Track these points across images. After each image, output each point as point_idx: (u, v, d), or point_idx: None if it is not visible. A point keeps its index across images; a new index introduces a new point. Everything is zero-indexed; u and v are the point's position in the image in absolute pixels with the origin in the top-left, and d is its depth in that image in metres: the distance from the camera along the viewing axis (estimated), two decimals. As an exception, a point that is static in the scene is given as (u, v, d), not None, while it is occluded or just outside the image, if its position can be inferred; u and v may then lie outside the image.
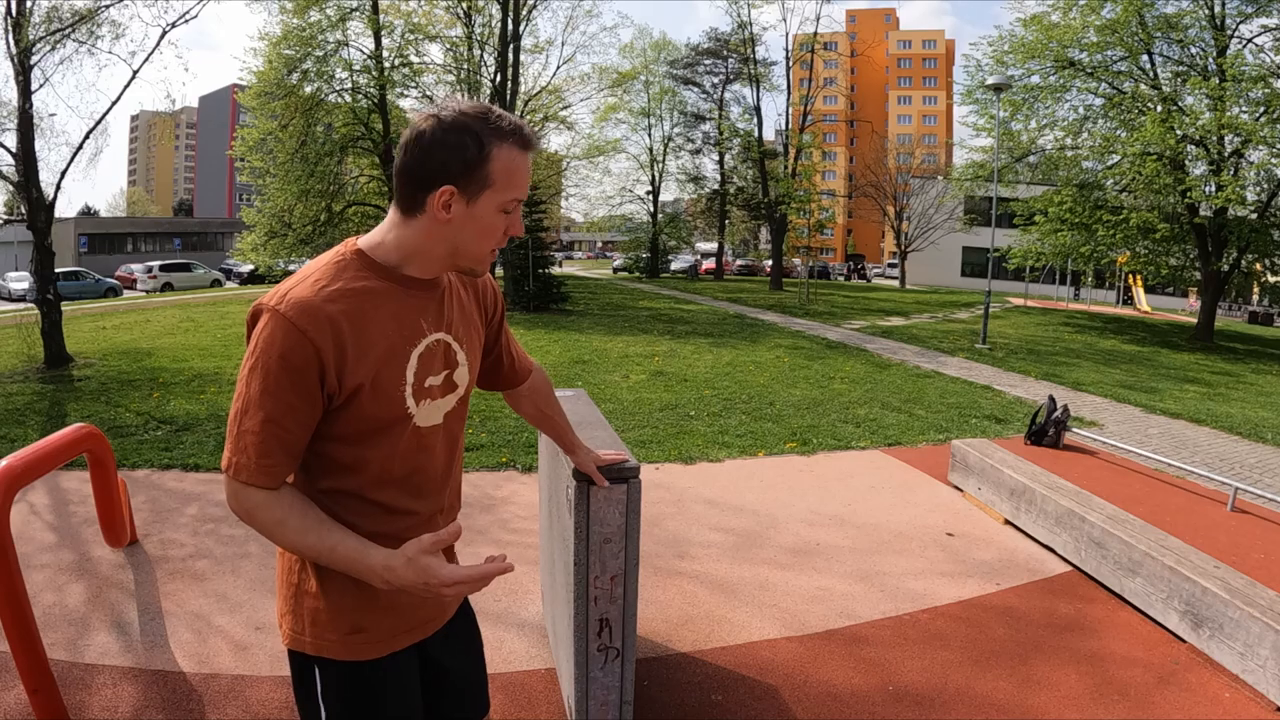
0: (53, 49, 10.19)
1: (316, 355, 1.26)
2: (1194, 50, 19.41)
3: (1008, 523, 4.88)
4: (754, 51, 36.43)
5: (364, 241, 1.39)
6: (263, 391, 1.27)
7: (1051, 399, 7.08)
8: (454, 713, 1.73)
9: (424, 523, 1.49)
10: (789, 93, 37.16)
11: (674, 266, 45.57)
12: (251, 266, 28.72)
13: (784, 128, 39.14)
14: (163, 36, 10.93)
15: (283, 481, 1.34)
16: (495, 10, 24.72)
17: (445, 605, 1.59)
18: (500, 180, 1.31)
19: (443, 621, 1.61)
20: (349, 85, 24.43)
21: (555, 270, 21.32)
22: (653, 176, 42.43)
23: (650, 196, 42.84)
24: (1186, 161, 19.06)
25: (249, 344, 1.31)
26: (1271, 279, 21.27)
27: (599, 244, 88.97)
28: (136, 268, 34.43)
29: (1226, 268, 19.80)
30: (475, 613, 1.85)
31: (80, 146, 10.44)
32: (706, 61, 40.45)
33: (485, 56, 27.19)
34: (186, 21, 11.14)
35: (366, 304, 1.33)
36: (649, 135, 42.04)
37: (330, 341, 1.27)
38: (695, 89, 41.54)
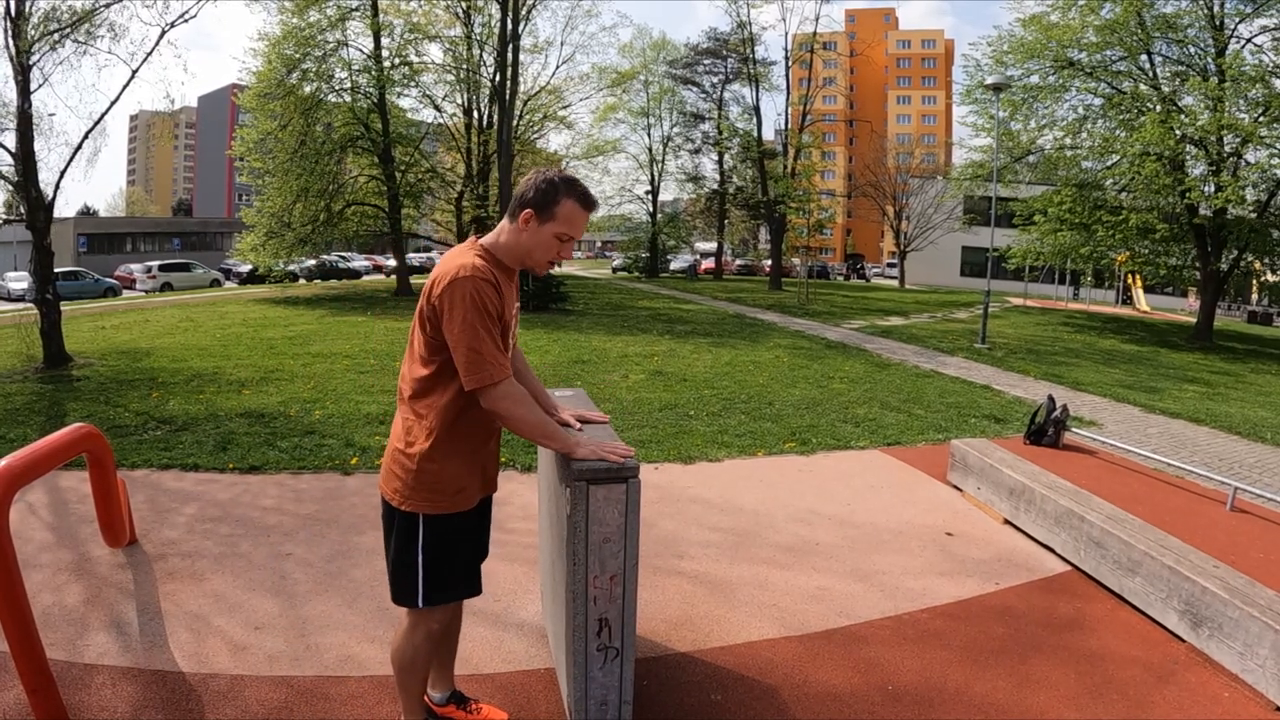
0: (52, 49, 10.18)
1: (497, 294, 2.16)
2: (1193, 50, 19.41)
3: (1007, 522, 4.88)
4: (753, 51, 36.44)
5: (486, 241, 2.30)
6: (483, 319, 2.11)
7: (1051, 399, 7.08)
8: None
9: (497, 431, 2.46)
10: (788, 92, 37.17)
11: (673, 266, 45.56)
12: (251, 266, 28.68)
13: (783, 127, 39.11)
14: (162, 36, 10.94)
15: (507, 374, 2.19)
16: (495, 10, 24.72)
17: (496, 471, 2.52)
18: (561, 218, 2.21)
19: (495, 484, 2.53)
20: (348, 85, 24.42)
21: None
22: (652, 176, 42.46)
23: (649, 196, 42.86)
24: (1186, 161, 19.06)
25: (451, 304, 2.11)
26: (1271, 278, 21.28)
27: (598, 244, 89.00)
28: (136, 268, 34.43)
29: (1226, 267, 19.81)
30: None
31: (79, 146, 10.44)
32: (706, 61, 40.45)
33: (484, 56, 27.23)
34: (185, 21, 11.14)
35: (503, 279, 2.25)
36: (648, 135, 42.09)
37: (498, 290, 2.18)
38: (694, 89, 41.57)
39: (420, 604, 2.32)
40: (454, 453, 2.26)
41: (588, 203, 2.22)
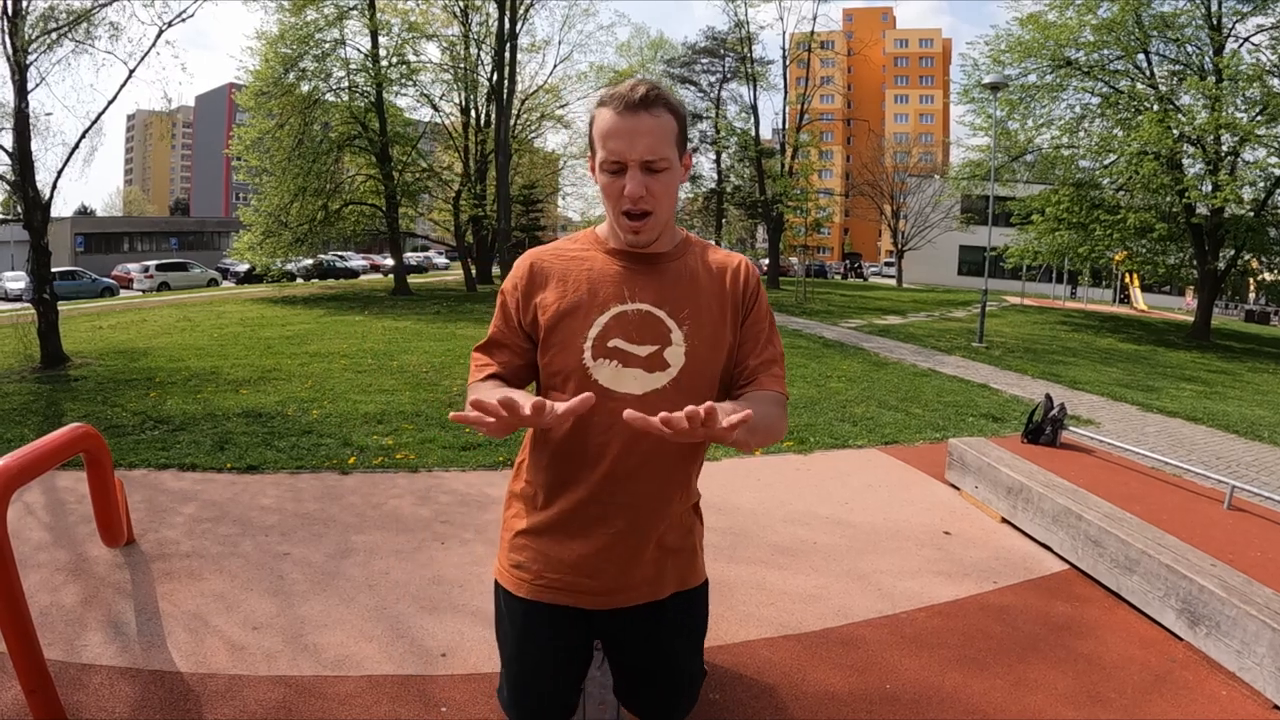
0: (48, 49, 10.18)
1: (515, 286, 1.60)
2: (1190, 49, 19.46)
3: (1005, 521, 4.88)
4: (751, 50, 36.36)
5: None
6: (496, 309, 1.65)
7: (1048, 397, 7.08)
8: (631, 702, 1.81)
9: (594, 500, 1.56)
10: (785, 91, 37.12)
11: (671, 265, 45.42)
12: (248, 265, 28.65)
13: (781, 126, 39.07)
14: (159, 35, 10.93)
15: (486, 375, 1.59)
16: (492, 9, 24.73)
17: (612, 583, 1.60)
18: (598, 142, 1.48)
19: (611, 603, 1.62)
20: (346, 84, 24.41)
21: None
22: (649, 175, 42.36)
23: (647, 195, 42.76)
24: (1184, 161, 19.09)
25: None
26: (1268, 277, 21.33)
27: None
28: (133, 267, 34.44)
29: (1223, 266, 19.85)
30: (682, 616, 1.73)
31: (76, 146, 10.43)
32: (703, 60, 40.32)
33: (482, 55, 27.21)
34: (183, 20, 11.15)
35: (573, 264, 1.59)
36: (646, 134, 41.96)
37: (526, 279, 1.59)
38: (692, 88, 41.40)
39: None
40: (528, 501, 1.65)
41: (618, 102, 1.45)
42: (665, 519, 1.61)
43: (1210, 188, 18.21)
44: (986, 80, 18.69)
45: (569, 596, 1.60)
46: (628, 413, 1.20)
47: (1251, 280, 23.93)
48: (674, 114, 1.48)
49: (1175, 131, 18.03)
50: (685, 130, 1.54)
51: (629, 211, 1.49)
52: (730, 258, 1.66)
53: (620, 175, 1.46)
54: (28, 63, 9.88)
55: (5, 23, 9.64)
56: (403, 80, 25.74)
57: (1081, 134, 21.29)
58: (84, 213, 60.99)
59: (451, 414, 1.21)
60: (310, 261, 32.01)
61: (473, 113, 28.87)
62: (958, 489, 5.53)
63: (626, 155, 1.44)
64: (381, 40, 24.30)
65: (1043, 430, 6.85)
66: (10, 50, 9.73)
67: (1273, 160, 18.01)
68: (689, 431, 1.19)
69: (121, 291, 31.54)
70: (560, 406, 1.23)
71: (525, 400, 1.24)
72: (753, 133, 37.67)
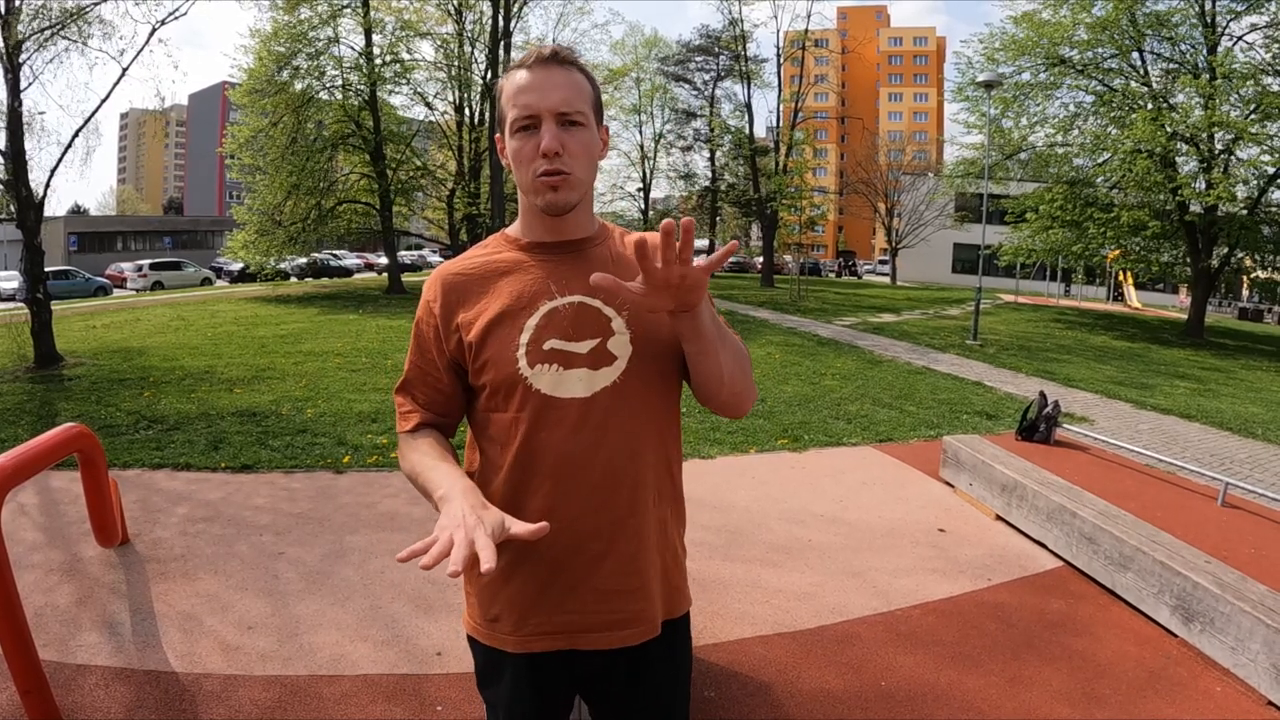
0: (41, 47, 10.14)
1: (430, 311, 1.44)
2: (1184, 48, 19.50)
3: (999, 518, 4.89)
4: (745, 48, 36.36)
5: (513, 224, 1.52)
6: (411, 341, 1.50)
7: (1042, 395, 7.09)
8: None
9: (563, 529, 1.34)
10: (780, 90, 37.07)
11: (665, 264, 45.36)
12: (242, 264, 28.58)
13: (775, 125, 39.06)
14: (152, 34, 10.91)
15: (417, 426, 1.46)
16: (486, 7, 24.68)
17: (600, 617, 1.41)
18: (507, 105, 1.35)
19: (610, 641, 1.43)
20: (340, 82, 24.38)
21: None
22: (644, 173, 42.38)
23: (641, 194, 42.79)
24: (1177, 159, 19.14)
25: None
26: (1261, 275, 21.40)
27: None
28: (127, 266, 34.27)
29: (1217, 264, 19.91)
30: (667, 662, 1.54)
31: (69, 145, 10.39)
32: (698, 59, 40.33)
33: (476, 53, 27.13)
34: (176, 19, 11.13)
35: (488, 270, 1.44)
36: (640, 132, 42.01)
37: (441, 300, 1.43)
38: (686, 86, 41.45)
39: None
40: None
41: (528, 59, 1.36)
42: (648, 532, 1.43)
43: (1204, 186, 18.28)
44: (981, 78, 18.73)
45: (565, 639, 1.42)
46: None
47: (1245, 278, 24.02)
48: (588, 79, 1.38)
49: (1169, 130, 18.06)
50: (600, 101, 1.42)
51: (545, 171, 1.32)
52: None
53: (533, 133, 1.32)
54: (21, 61, 9.84)
55: (-2, 20, 9.62)
56: (396, 79, 25.72)
57: (1075, 132, 21.32)
58: (77, 212, 60.68)
59: (399, 555, 1.02)
60: (304, 260, 31.95)
61: (467, 111, 28.80)
62: (952, 486, 5.54)
63: (539, 106, 1.30)
64: (375, 38, 24.28)
65: (1037, 428, 6.86)
66: (3, 49, 9.69)
67: (1266, 158, 18.06)
68: (665, 272, 1.18)
69: (115, 291, 31.40)
70: (515, 528, 1.13)
71: (484, 542, 1.06)
72: (747, 131, 37.68)
